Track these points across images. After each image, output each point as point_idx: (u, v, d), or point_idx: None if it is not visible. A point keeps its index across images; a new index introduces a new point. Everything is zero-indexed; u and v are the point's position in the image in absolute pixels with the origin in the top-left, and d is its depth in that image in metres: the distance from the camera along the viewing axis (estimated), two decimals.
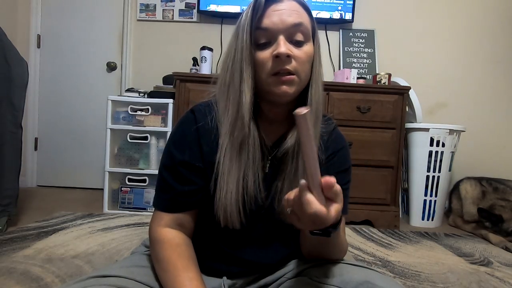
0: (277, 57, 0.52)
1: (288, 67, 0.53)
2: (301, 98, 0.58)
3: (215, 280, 0.62)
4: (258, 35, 0.54)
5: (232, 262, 0.62)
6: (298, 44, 0.54)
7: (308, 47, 0.56)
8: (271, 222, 0.61)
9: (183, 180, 0.58)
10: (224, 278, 0.62)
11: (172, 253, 0.55)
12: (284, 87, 0.54)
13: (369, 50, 2.47)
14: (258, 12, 0.53)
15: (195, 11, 2.49)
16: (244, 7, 2.33)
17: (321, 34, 2.50)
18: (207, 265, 0.62)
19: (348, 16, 2.39)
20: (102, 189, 2.01)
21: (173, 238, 0.57)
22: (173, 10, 2.50)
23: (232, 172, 0.55)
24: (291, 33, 0.54)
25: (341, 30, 2.48)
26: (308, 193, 0.40)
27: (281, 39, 0.53)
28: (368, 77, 2.35)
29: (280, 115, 0.60)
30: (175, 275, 0.52)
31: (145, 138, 1.98)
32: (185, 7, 2.50)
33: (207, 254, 0.63)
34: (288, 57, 0.52)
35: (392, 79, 2.13)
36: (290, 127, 0.59)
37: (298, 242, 0.64)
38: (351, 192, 1.97)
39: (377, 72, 2.40)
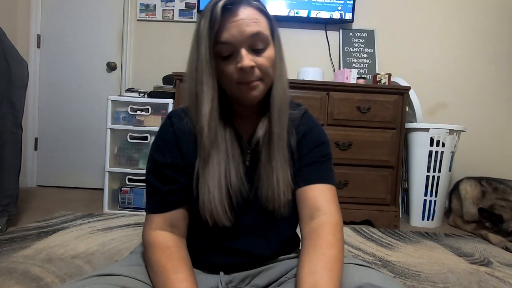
0: (241, 69, 0.54)
1: (253, 78, 0.56)
2: (268, 95, 0.61)
3: (213, 277, 0.62)
4: (221, 48, 0.55)
5: (227, 253, 0.63)
6: (259, 51, 0.56)
7: (269, 52, 0.58)
8: (258, 212, 0.62)
9: (167, 181, 0.60)
10: (221, 274, 0.63)
11: (162, 256, 0.55)
12: (253, 93, 0.57)
13: (369, 50, 2.47)
14: (215, 25, 0.53)
15: (195, 11, 2.49)
16: None
17: (321, 34, 2.50)
18: (203, 259, 0.63)
19: (348, 16, 2.39)
20: (102, 189, 2.01)
21: (163, 241, 0.57)
22: (173, 10, 2.50)
23: (211, 175, 0.57)
24: (251, 43, 0.55)
25: (341, 30, 2.48)
26: None
27: (243, 51, 0.54)
28: (368, 77, 2.35)
29: (251, 113, 0.64)
30: (165, 278, 0.52)
31: (145, 138, 1.98)
32: (185, 7, 2.50)
33: (203, 248, 0.63)
34: (252, 67, 0.55)
35: (392, 79, 2.13)
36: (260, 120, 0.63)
37: (290, 230, 0.67)
38: (351, 192, 2.00)
39: (377, 72, 2.40)
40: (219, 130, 0.59)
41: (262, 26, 0.56)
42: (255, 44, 0.55)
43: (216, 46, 0.55)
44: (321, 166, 0.64)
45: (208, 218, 0.58)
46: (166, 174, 0.60)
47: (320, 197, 0.60)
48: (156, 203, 0.60)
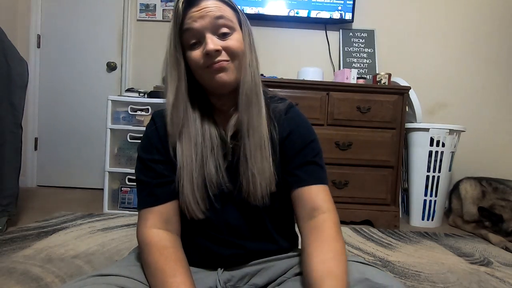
0: (207, 54, 0.56)
1: (220, 58, 0.56)
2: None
3: (211, 276, 0.63)
4: (187, 37, 0.58)
5: (221, 244, 0.63)
6: (225, 35, 0.58)
7: (236, 35, 0.59)
8: (242, 205, 0.62)
9: (155, 175, 0.61)
10: (219, 272, 0.63)
11: (159, 257, 0.55)
12: (221, 75, 0.57)
13: (369, 50, 2.47)
14: (179, 16, 0.56)
15: None
16: (245, 7, 2.33)
17: (321, 34, 2.50)
18: (200, 251, 0.64)
19: (348, 16, 2.39)
20: (102, 189, 2.01)
21: (160, 241, 0.57)
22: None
23: (185, 166, 0.58)
24: (215, 27, 0.57)
25: (341, 30, 2.48)
26: None
27: (208, 36, 0.56)
28: (368, 77, 2.35)
29: (229, 106, 0.64)
30: (163, 281, 0.52)
31: None
32: None
33: (198, 239, 0.64)
34: (218, 51, 0.56)
35: (392, 79, 2.13)
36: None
37: (279, 224, 0.67)
38: (351, 192, 2.00)
39: (377, 72, 2.40)
40: (192, 122, 0.60)
41: (225, 12, 0.58)
42: (220, 28, 0.57)
43: (183, 36, 0.58)
44: (315, 167, 0.63)
45: (185, 210, 0.59)
46: (153, 168, 0.61)
47: (317, 198, 0.60)
48: (146, 197, 0.61)
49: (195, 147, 0.60)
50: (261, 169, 0.59)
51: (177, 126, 0.59)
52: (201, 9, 0.56)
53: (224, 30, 0.57)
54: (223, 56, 0.57)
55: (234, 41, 0.58)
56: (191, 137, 0.60)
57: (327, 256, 0.52)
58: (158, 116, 0.65)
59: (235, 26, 0.59)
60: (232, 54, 0.58)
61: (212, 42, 0.55)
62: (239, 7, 0.63)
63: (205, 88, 0.62)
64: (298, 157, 0.63)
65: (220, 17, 0.56)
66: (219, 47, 0.56)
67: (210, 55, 0.56)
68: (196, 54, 0.57)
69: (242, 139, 0.61)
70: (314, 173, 0.63)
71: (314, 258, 0.52)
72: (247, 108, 0.60)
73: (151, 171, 0.61)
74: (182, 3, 0.56)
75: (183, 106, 0.59)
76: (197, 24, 0.56)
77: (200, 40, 0.57)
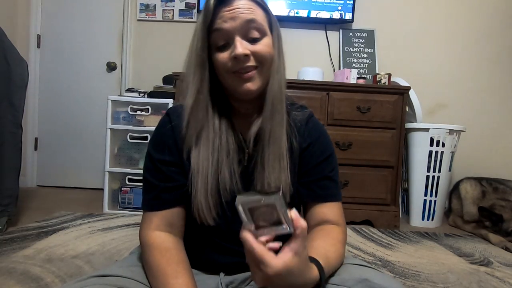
0: (235, 58, 0.53)
1: (248, 64, 0.54)
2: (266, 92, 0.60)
3: (213, 279, 0.62)
4: (215, 38, 0.55)
5: (226, 252, 0.62)
6: (255, 41, 0.55)
7: (266, 41, 0.56)
8: None
9: (164, 178, 0.59)
10: (222, 275, 0.63)
11: (161, 259, 0.54)
12: (248, 85, 0.55)
13: (369, 50, 2.47)
14: (209, 14, 0.54)
15: (195, 11, 2.49)
16: None
17: (321, 34, 2.50)
18: (204, 257, 0.63)
19: (348, 16, 2.39)
20: (102, 189, 2.01)
21: (163, 243, 0.57)
22: (173, 10, 2.50)
23: (200, 170, 0.57)
24: (246, 30, 0.54)
25: (341, 30, 2.48)
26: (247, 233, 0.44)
27: (237, 39, 0.54)
28: (368, 77, 2.35)
29: (252, 110, 0.62)
30: (164, 282, 0.52)
31: (145, 138, 1.98)
32: (185, 7, 2.50)
33: (203, 246, 0.63)
34: (247, 56, 0.54)
35: (392, 79, 2.13)
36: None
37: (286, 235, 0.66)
38: (351, 192, 1.99)
39: (377, 72, 2.40)
40: (211, 125, 0.58)
41: (257, 15, 0.55)
42: (250, 32, 0.55)
43: (211, 36, 0.55)
44: (331, 182, 0.64)
45: (196, 214, 0.58)
46: (163, 170, 0.59)
47: (330, 214, 0.63)
48: (152, 201, 0.60)
49: (212, 150, 0.57)
50: (277, 179, 0.58)
51: (195, 129, 0.57)
52: (233, 9, 0.53)
53: (255, 34, 0.55)
54: (251, 61, 0.54)
55: (264, 46, 0.56)
56: (209, 140, 0.57)
57: (328, 244, 0.55)
58: (175, 114, 0.61)
59: (266, 30, 0.57)
60: (261, 60, 0.55)
61: (241, 46, 0.53)
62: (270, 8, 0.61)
63: (226, 90, 0.60)
64: (316, 171, 0.63)
65: (252, 20, 0.54)
66: (248, 52, 0.54)
67: (238, 59, 0.53)
68: (224, 56, 0.55)
69: (261, 147, 0.59)
70: (329, 189, 0.64)
71: (314, 241, 0.55)
72: (271, 117, 0.58)
73: (160, 173, 0.59)
74: (214, 0, 0.54)
75: (203, 109, 0.57)
76: (227, 25, 0.53)
77: (229, 42, 0.55)
